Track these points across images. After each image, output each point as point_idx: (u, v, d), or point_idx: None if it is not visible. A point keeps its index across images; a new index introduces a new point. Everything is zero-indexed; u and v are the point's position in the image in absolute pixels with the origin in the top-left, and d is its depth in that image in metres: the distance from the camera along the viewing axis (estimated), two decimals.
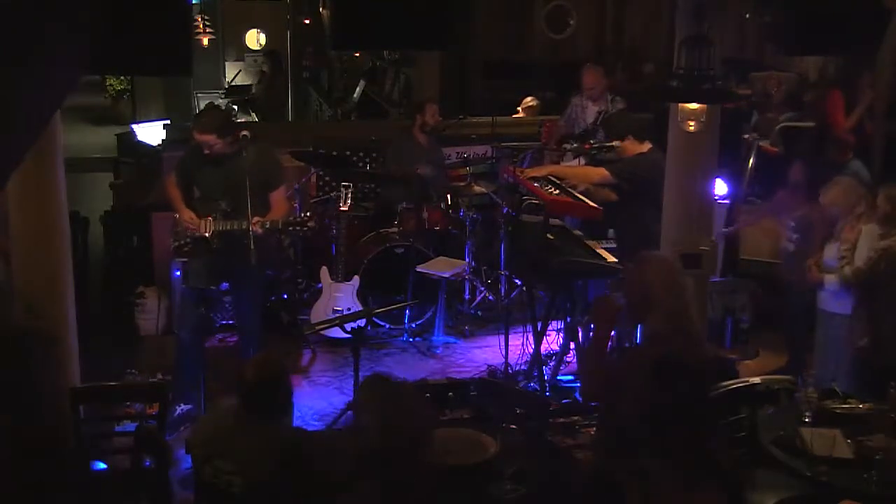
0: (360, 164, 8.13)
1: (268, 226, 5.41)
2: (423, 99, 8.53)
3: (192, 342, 5.70)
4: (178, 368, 5.68)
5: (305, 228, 5.64)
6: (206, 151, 5.47)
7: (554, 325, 6.07)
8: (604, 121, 7.40)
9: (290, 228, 5.61)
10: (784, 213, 6.29)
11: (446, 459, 3.68)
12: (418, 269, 6.75)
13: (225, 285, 6.07)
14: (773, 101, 9.28)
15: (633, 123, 6.16)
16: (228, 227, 5.45)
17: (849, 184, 5.38)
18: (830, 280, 5.26)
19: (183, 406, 5.54)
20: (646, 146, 5.96)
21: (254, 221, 5.33)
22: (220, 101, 11.65)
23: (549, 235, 5.78)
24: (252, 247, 5.34)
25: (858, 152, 6.69)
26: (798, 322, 6.12)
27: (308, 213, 5.68)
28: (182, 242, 5.58)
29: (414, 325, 7.00)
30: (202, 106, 12.49)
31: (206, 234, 5.48)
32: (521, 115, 9.67)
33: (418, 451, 2.67)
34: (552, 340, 6.13)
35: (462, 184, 7.63)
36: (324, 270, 6.72)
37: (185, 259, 5.67)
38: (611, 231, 6.40)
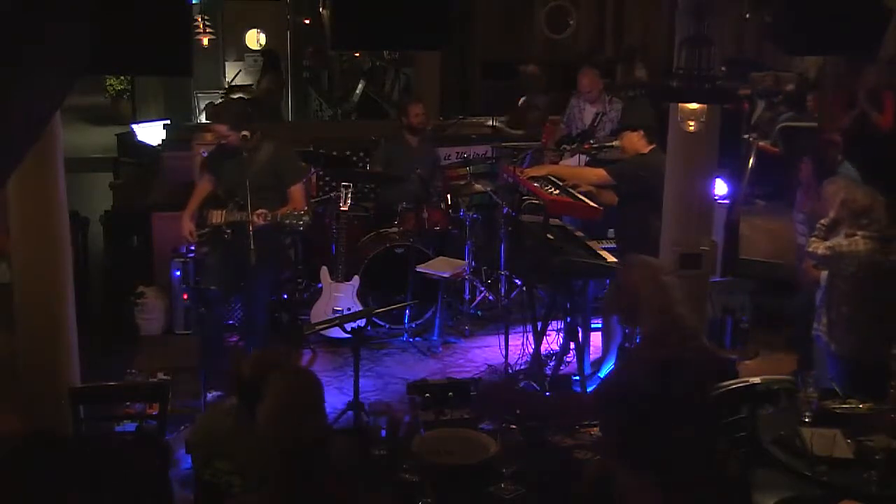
0: (360, 164, 8.13)
1: (268, 218, 5.61)
2: (405, 100, 8.50)
3: (217, 337, 6.02)
4: (206, 360, 5.81)
5: (300, 223, 5.72)
6: (222, 142, 5.78)
7: (554, 325, 6.07)
8: (626, 105, 7.40)
9: (287, 222, 5.70)
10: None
11: (446, 459, 3.68)
12: (418, 269, 6.75)
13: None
14: (775, 100, 9.30)
15: (651, 119, 6.11)
16: (238, 219, 5.65)
17: (846, 182, 5.38)
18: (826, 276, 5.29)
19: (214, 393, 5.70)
20: (648, 147, 5.95)
21: (258, 213, 5.55)
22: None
23: (549, 235, 5.78)
24: (252, 246, 5.45)
25: (857, 152, 6.69)
26: (802, 320, 6.15)
27: (304, 209, 5.79)
28: (203, 231, 5.85)
29: (414, 325, 7.00)
30: (202, 106, 12.51)
31: (220, 222, 5.76)
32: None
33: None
34: (552, 340, 6.13)
35: (462, 183, 7.63)
36: (324, 270, 6.72)
37: (202, 250, 5.88)
38: (611, 231, 6.40)
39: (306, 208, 5.82)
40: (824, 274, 5.29)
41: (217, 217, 5.80)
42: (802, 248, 6.01)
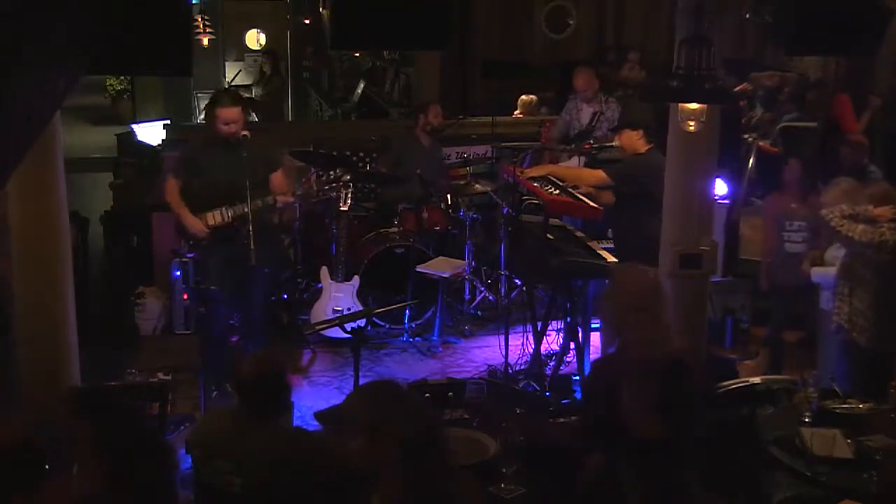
0: (360, 164, 8.13)
1: (279, 197, 5.83)
2: (425, 100, 8.54)
3: (220, 337, 6.03)
4: (207, 361, 5.82)
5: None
6: (225, 126, 5.68)
7: (554, 325, 6.07)
8: (627, 104, 7.39)
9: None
10: (778, 212, 6.29)
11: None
12: (418, 269, 6.75)
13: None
14: (778, 100, 9.29)
15: (651, 119, 6.10)
16: (245, 210, 5.65)
17: (851, 186, 5.37)
18: (818, 272, 5.30)
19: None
20: (646, 147, 5.96)
21: (280, 196, 5.78)
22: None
23: (549, 235, 5.78)
24: (252, 246, 5.46)
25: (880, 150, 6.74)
26: (783, 322, 6.18)
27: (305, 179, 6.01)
28: (197, 241, 5.79)
29: (414, 325, 7.00)
30: (202, 106, 12.50)
31: (221, 222, 5.71)
32: (519, 113, 9.69)
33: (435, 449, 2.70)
34: (552, 340, 6.13)
35: (462, 184, 7.63)
36: (324, 270, 6.72)
37: (201, 252, 5.86)
38: (610, 231, 6.40)
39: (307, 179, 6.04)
40: (817, 270, 5.31)
41: (213, 218, 5.73)
42: (793, 256, 6.01)
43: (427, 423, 2.71)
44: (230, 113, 5.72)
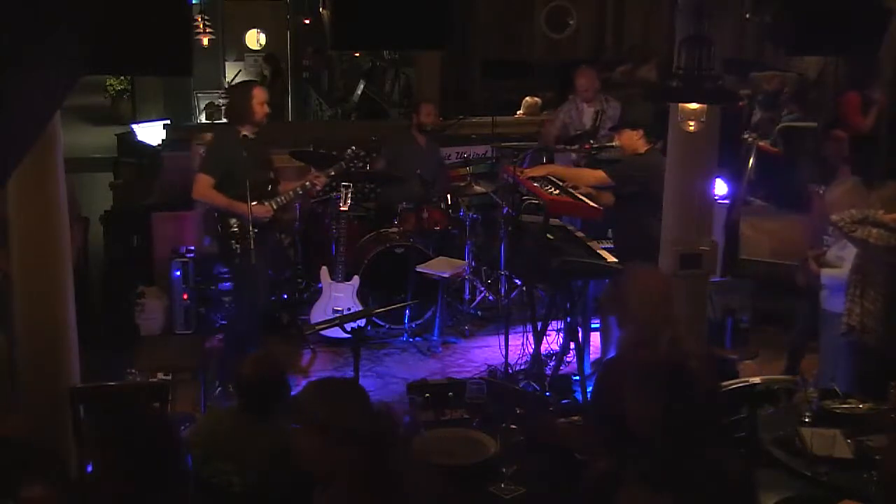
0: (361, 164, 8.12)
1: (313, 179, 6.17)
2: (418, 99, 8.56)
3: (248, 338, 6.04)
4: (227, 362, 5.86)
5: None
6: (260, 107, 5.79)
7: (554, 325, 6.07)
8: (626, 105, 7.40)
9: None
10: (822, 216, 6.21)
11: (446, 459, 3.68)
12: (418, 269, 6.75)
13: (226, 285, 6.13)
14: (779, 100, 9.30)
15: (649, 119, 6.09)
16: (284, 200, 5.95)
17: (855, 184, 5.36)
18: (828, 274, 5.28)
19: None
20: (645, 147, 5.96)
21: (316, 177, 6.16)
22: (221, 101, 11.68)
23: (549, 235, 5.78)
24: (252, 246, 5.46)
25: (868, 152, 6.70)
26: (805, 327, 6.13)
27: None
28: (247, 238, 5.73)
29: (414, 325, 7.00)
30: (202, 106, 12.52)
31: (268, 215, 5.79)
32: (522, 113, 9.71)
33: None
34: (552, 340, 6.13)
35: (462, 184, 7.63)
36: (324, 270, 6.73)
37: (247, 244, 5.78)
38: (610, 231, 6.40)
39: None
40: (826, 272, 5.29)
41: (264, 210, 5.76)
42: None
43: (379, 424, 2.69)
44: (265, 92, 5.90)
